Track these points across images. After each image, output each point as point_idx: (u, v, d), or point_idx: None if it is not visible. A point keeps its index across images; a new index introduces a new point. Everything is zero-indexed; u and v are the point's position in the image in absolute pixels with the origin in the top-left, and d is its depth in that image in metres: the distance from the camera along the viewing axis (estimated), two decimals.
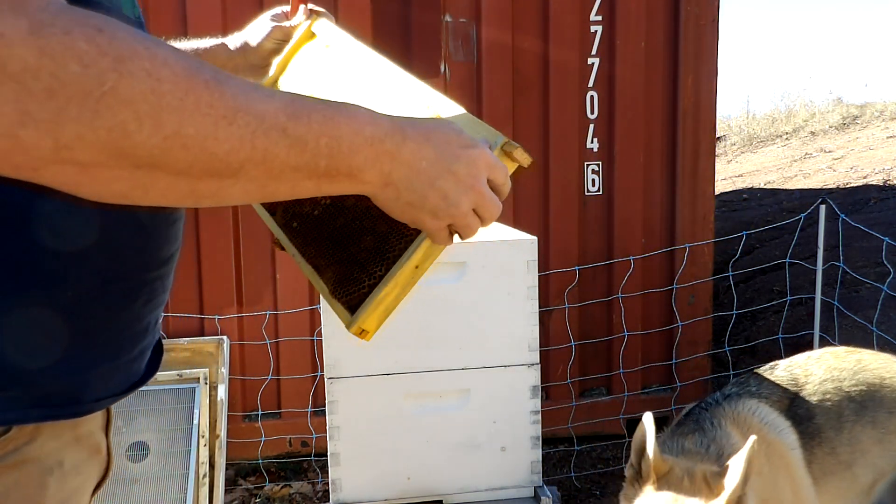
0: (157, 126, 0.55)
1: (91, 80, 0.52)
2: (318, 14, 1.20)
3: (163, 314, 0.78)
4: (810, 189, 8.25)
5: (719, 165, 11.40)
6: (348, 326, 0.86)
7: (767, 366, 1.98)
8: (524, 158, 0.85)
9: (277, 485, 3.20)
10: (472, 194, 0.76)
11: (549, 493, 1.92)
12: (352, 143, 0.67)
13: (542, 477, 1.99)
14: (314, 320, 3.20)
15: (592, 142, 3.36)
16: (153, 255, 0.72)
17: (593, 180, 3.38)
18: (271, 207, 0.98)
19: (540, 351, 1.95)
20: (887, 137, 10.05)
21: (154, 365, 0.80)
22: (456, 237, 0.80)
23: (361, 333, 0.86)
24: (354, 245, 0.89)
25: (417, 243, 0.83)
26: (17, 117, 0.50)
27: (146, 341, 0.76)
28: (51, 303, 0.65)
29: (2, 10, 0.49)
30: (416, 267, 0.84)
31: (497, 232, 2.12)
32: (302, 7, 1.23)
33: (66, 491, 0.74)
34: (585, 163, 3.36)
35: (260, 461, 3.22)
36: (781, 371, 1.92)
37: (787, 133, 12.38)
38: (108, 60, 0.52)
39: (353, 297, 0.86)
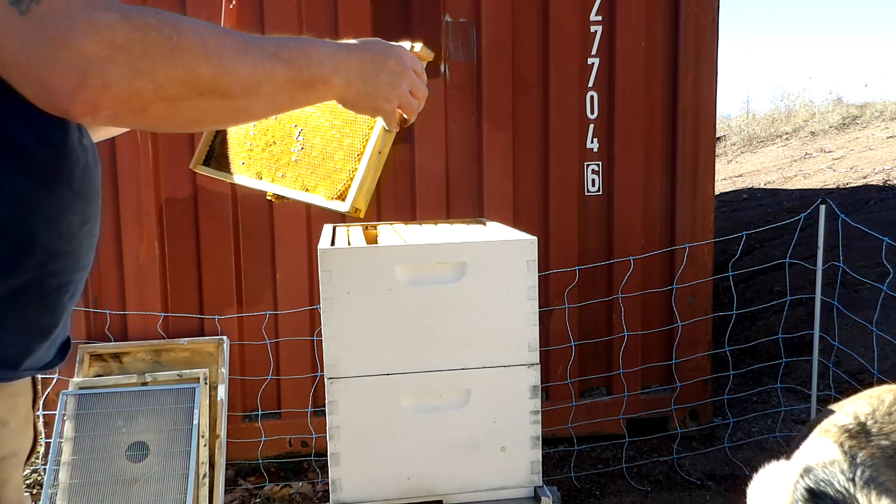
0: (208, 60, 0.84)
1: (164, 39, 0.80)
2: None
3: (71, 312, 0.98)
4: (810, 189, 8.25)
5: (719, 165, 11.40)
6: (344, 209, 1.19)
7: (850, 423, 1.69)
8: (427, 54, 1.19)
9: (277, 485, 3.20)
10: (406, 77, 1.09)
11: (549, 493, 1.92)
12: (319, 59, 0.98)
13: (542, 477, 1.98)
14: (314, 320, 3.20)
15: (592, 142, 3.36)
16: (80, 260, 0.91)
17: (593, 180, 3.38)
18: (258, 174, 1.28)
19: (540, 351, 1.95)
20: (887, 137, 10.04)
21: (62, 355, 0.96)
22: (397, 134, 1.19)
23: (356, 212, 1.21)
24: (330, 162, 1.21)
25: (375, 134, 1.18)
26: (130, 73, 0.78)
27: (62, 330, 0.94)
28: (4, 289, 0.82)
29: (100, 10, 0.77)
30: (379, 152, 1.18)
31: (497, 232, 2.12)
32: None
33: (11, 447, 0.89)
34: (585, 163, 3.36)
35: (260, 461, 3.22)
36: (876, 437, 1.66)
37: (787, 133, 12.38)
38: (169, 26, 0.81)
39: (342, 192, 1.19)
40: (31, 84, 0.77)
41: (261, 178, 1.28)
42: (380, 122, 1.21)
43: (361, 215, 1.21)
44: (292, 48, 0.95)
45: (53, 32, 0.75)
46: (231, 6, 1.42)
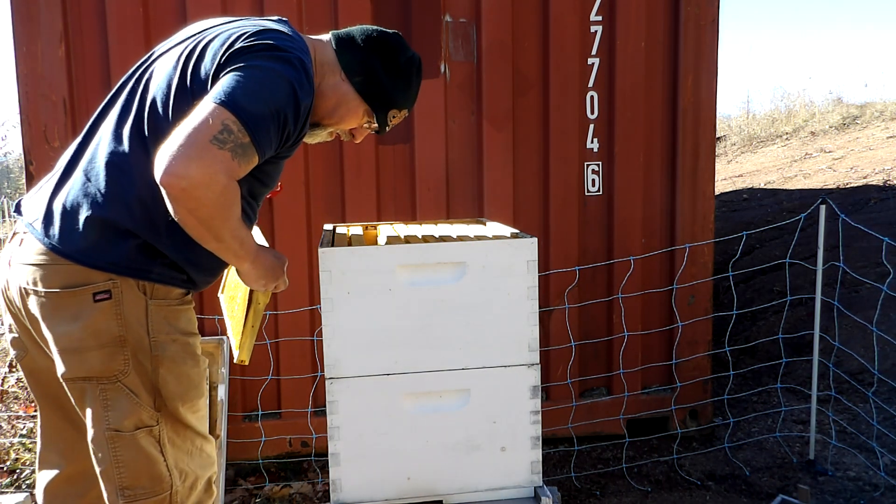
0: (223, 225, 1.48)
1: (223, 206, 1.45)
2: None
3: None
4: (810, 189, 8.25)
5: (719, 165, 11.40)
6: (235, 359, 1.81)
7: None
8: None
9: (277, 485, 3.20)
10: (281, 280, 1.76)
11: (549, 493, 1.92)
12: (248, 253, 1.61)
13: (542, 477, 1.99)
14: (314, 320, 3.20)
15: (592, 142, 3.36)
16: None
17: (593, 180, 3.38)
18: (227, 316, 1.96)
19: (540, 351, 1.95)
20: (887, 137, 10.05)
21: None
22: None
23: (242, 362, 1.80)
24: (238, 324, 1.84)
25: (251, 313, 1.81)
26: (196, 202, 1.41)
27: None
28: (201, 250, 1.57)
29: (225, 174, 1.42)
30: (253, 326, 1.81)
31: (497, 232, 2.12)
32: None
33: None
34: (585, 163, 3.36)
35: (260, 461, 3.22)
36: None
37: (787, 133, 12.38)
38: (231, 201, 1.47)
39: (238, 345, 1.82)
40: (168, 148, 1.37)
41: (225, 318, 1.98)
42: (253, 302, 1.84)
43: (246, 363, 1.83)
44: (246, 242, 1.59)
45: (206, 157, 1.38)
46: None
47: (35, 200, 1.61)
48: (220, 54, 1.51)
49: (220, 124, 1.39)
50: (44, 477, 1.73)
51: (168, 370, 1.59)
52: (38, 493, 1.74)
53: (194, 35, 1.63)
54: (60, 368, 1.55)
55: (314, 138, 1.81)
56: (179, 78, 1.54)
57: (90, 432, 1.57)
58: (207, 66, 1.52)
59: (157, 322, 1.57)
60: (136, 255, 1.54)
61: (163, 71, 1.57)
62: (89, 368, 1.53)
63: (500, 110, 3.27)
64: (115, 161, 1.53)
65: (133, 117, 1.55)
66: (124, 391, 1.54)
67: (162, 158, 1.36)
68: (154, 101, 1.54)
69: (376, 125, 1.80)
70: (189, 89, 1.52)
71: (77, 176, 1.56)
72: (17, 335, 1.67)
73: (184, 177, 1.36)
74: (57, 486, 1.72)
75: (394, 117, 1.81)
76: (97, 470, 1.59)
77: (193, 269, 1.64)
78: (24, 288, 1.54)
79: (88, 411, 1.56)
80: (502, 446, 1.95)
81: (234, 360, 1.82)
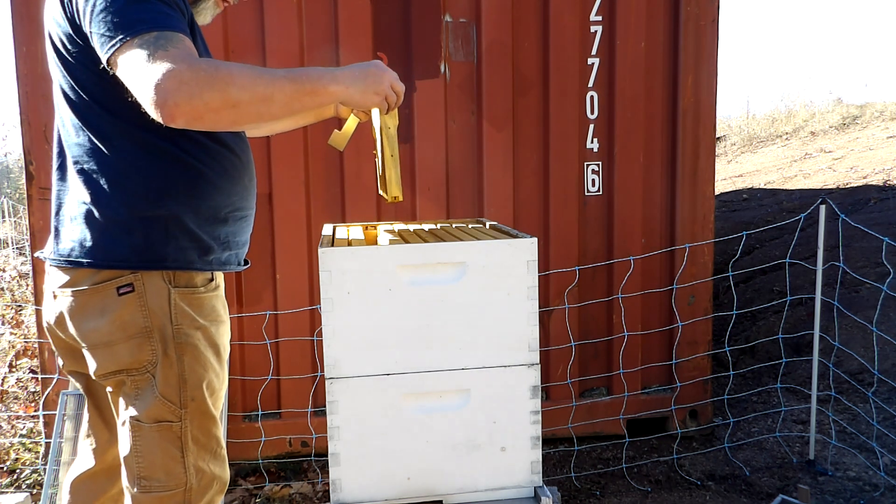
0: (234, 84, 1.37)
1: (207, 76, 1.34)
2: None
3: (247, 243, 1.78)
4: (810, 189, 8.26)
5: (719, 165, 11.41)
6: (387, 199, 1.83)
7: None
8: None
9: (277, 485, 3.20)
10: (386, 76, 1.62)
11: (549, 493, 1.92)
12: (318, 74, 1.51)
13: (542, 477, 1.98)
14: (314, 320, 3.20)
15: (592, 142, 3.36)
16: (253, 199, 1.75)
17: (593, 180, 3.38)
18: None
19: (540, 351, 1.95)
20: (887, 137, 10.05)
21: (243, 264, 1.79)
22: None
23: (395, 199, 1.81)
24: (379, 167, 1.87)
25: (379, 143, 1.74)
26: (188, 96, 1.32)
27: (245, 249, 1.77)
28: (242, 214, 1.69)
29: (178, 61, 1.32)
30: (392, 155, 1.76)
31: (497, 232, 2.12)
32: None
33: (227, 323, 1.73)
34: (585, 163, 3.36)
35: (260, 461, 3.22)
36: None
37: (787, 133, 12.39)
38: (212, 68, 1.36)
39: (384, 187, 1.84)
40: (145, 104, 1.34)
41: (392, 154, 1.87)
42: (378, 132, 1.77)
43: (400, 199, 1.80)
44: (297, 71, 1.47)
45: (169, 80, 1.31)
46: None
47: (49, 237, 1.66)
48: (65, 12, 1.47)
49: (142, 52, 1.33)
50: (74, 470, 1.81)
51: (193, 358, 1.61)
52: (67, 482, 1.82)
53: (46, 17, 1.58)
54: (92, 366, 1.57)
55: (205, 15, 1.74)
56: (61, 61, 1.52)
57: (119, 419, 1.61)
58: (65, 27, 1.48)
59: (179, 310, 1.58)
60: (146, 243, 1.54)
61: (51, 60, 1.57)
62: (120, 361, 1.56)
63: (500, 110, 3.27)
64: (78, 159, 1.55)
65: (68, 111, 1.56)
66: (151, 383, 1.57)
67: (159, 115, 1.33)
68: (64, 91, 1.55)
69: None
70: (75, 62, 1.50)
71: (61, 190, 1.60)
72: (69, 367, 1.73)
73: (184, 107, 1.32)
74: (81, 482, 1.79)
75: None
76: (121, 456, 1.62)
77: (201, 220, 1.60)
78: (57, 294, 1.59)
79: (121, 401, 1.60)
80: (502, 446, 1.94)
81: (387, 199, 1.80)
